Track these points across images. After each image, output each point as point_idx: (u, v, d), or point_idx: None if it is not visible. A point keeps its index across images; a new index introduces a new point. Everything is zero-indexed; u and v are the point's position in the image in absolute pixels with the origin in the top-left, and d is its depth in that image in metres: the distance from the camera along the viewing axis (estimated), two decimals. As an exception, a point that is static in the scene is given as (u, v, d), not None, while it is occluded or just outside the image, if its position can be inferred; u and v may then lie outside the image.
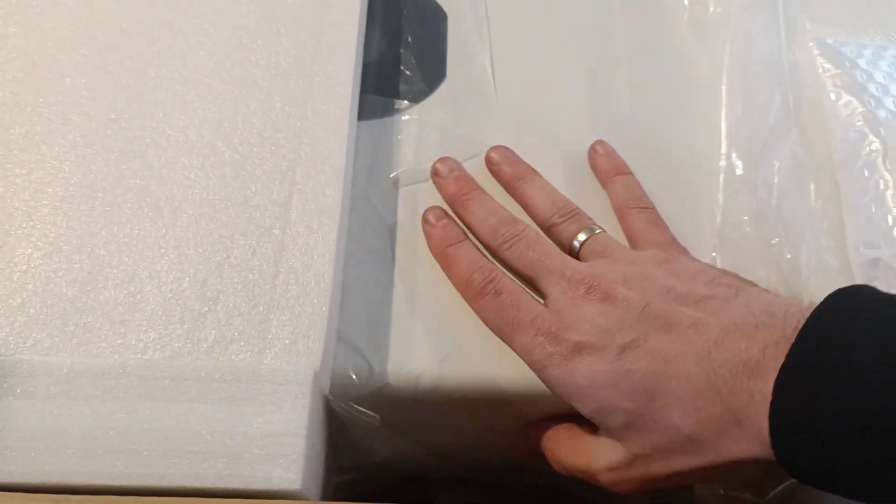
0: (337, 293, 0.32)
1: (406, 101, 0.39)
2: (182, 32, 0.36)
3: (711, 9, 0.40)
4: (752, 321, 0.26)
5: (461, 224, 0.35)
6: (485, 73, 0.41)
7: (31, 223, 0.31)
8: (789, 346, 0.24)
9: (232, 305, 0.30)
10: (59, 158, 0.33)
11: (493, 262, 0.33)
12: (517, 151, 0.38)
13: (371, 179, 0.37)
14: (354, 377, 0.32)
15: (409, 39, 0.42)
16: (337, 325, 0.32)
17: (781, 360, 0.24)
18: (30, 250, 0.30)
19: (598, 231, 0.34)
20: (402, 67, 0.41)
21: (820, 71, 0.34)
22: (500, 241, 0.33)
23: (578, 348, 0.29)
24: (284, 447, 0.27)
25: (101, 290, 0.30)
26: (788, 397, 0.24)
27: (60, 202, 0.32)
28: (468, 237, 0.35)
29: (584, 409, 0.29)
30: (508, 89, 0.41)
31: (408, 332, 0.33)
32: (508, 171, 0.36)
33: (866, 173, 0.33)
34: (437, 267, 0.35)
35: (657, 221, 0.35)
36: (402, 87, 0.40)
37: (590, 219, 0.35)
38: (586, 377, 0.29)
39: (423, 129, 0.39)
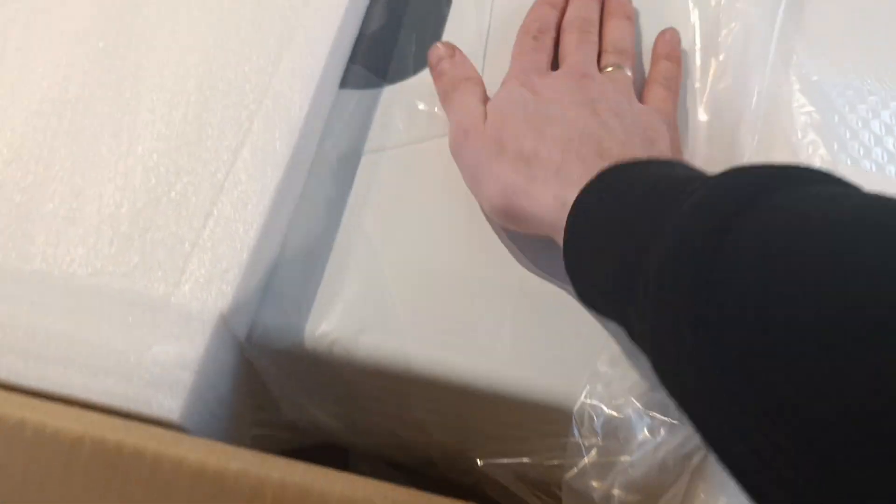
0: (269, 246, 0.33)
1: (392, 79, 0.40)
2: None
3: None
4: (633, 153, 0.31)
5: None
6: (475, 58, 0.41)
7: (1, 130, 0.33)
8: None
9: (160, 237, 0.31)
10: (42, 75, 0.35)
11: (553, 31, 0.40)
12: None
13: (337, 145, 0.38)
14: (270, 329, 0.33)
15: (410, 17, 0.42)
16: (266, 278, 0.33)
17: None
18: (-5, 150, 0.33)
19: (627, 70, 0.38)
20: (396, 44, 0.41)
21: (795, 106, 0.32)
22: (570, 23, 0.40)
23: (532, 87, 0.36)
24: (172, 377, 0.28)
25: (46, 202, 0.32)
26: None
27: (32, 115, 0.34)
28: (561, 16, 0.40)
29: (497, 100, 0.36)
30: (498, 77, 0.40)
31: (335, 297, 0.34)
32: (611, 5, 0.41)
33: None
34: (383, 240, 0.35)
35: (673, 102, 0.38)
36: (393, 65, 0.40)
37: (632, 64, 0.39)
38: (517, 94, 0.36)
39: (401, 106, 0.39)
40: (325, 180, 0.37)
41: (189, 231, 0.31)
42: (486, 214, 0.36)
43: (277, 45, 0.36)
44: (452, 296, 0.34)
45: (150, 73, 0.35)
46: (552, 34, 0.40)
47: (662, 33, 0.41)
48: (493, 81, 0.39)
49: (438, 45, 0.39)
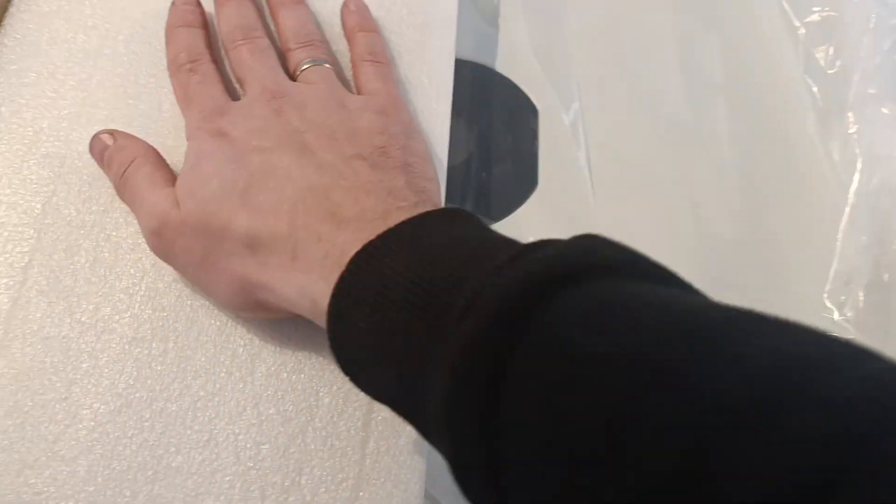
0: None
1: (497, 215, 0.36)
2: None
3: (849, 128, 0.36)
4: (368, 199, 0.26)
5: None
6: (582, 179, 0.37)
7: (98, 370, 0.28)
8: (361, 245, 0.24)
9: (318, 478, 0.27)
10: (129, 291, 0.30)
11: (210, 54, 0.33)
12: None
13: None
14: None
15: (498, 139, 0.38)
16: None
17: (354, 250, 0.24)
18: (97, 404, 0.28)
19: (325, 63, 0.33)
20: (490, 173, 0.37)
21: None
22: (231, 39, 0.33)
23: (221, 132, 0.29)
24: None
25: (173, 455, 0.27)
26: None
27: (129, 345, 0.29)
28: (207, 32, 0.34)
29: (184, 172, 0.29)
30: (607, 199, 0.37)
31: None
32: None
33: None
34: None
35: (385, 75, 0.33)
36: (492, 198, 0.37)
37: (327, 53, 0.34)
38: (208, 153, 0.28)
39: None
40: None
41: (348, 465, 0.27)
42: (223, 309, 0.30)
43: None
44: None
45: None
46: (208, 57, 0.33)
47: (346, 4, 0.35)
48: (601, 187, 0.35)
49: (98, 136, 0.32)
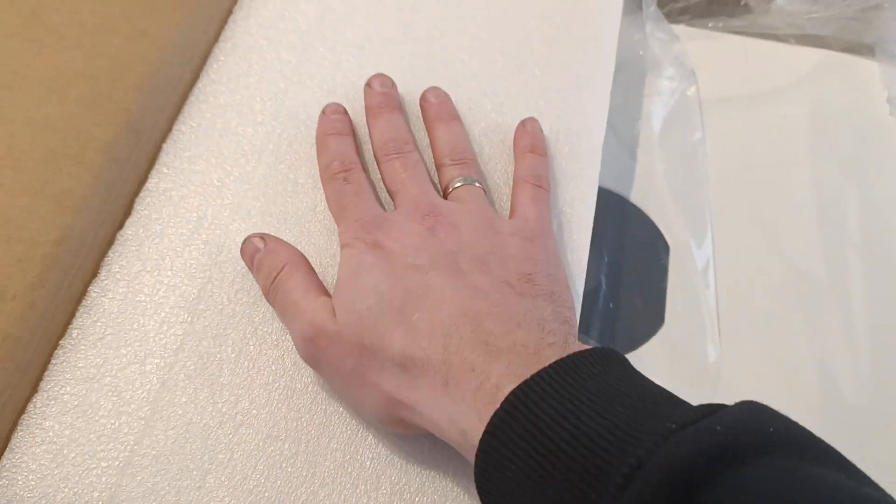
0: None
1: (623, 347, 0.36)
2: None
3: None
4: (520, 330, 0.26)
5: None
6: (710, 322, 0.37)
7: (233, 463, 0.29)
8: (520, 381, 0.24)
9: None
10: (268, 387, 0.31)
11: (360, 161, 0.35)
12: None
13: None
14: None
15: (628, 271, 0.39)
16: None
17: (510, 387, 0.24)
18: (228, 498, 0.29)
19: (475, 183, 0.34)
20: (618, 304, 0.38)
21: None
22: (384, 151, 0.35)
23: (377, 245, 0.30)
24: None
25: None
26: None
27: (264, 441, 0.30)
28: (355, 140, 0.36)
29: (342, 283, 0.30)
30: (733, 345, 0.37)
31: None
32: (433, 110, 0.37)
33: None
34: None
35: (542, 200, 0.34)
36: (616, 331, 0.37)
37: (478, 173, 0.35)
38: (366, 266, 0.29)
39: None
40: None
41: None
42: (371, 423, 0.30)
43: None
44: None
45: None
46: (359, 166, 0.34)
47: (523, 124, 0.37)
48: (728, 334, 0.35)
49: (249, 240, 0.33)
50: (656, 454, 0.20)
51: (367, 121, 0.37)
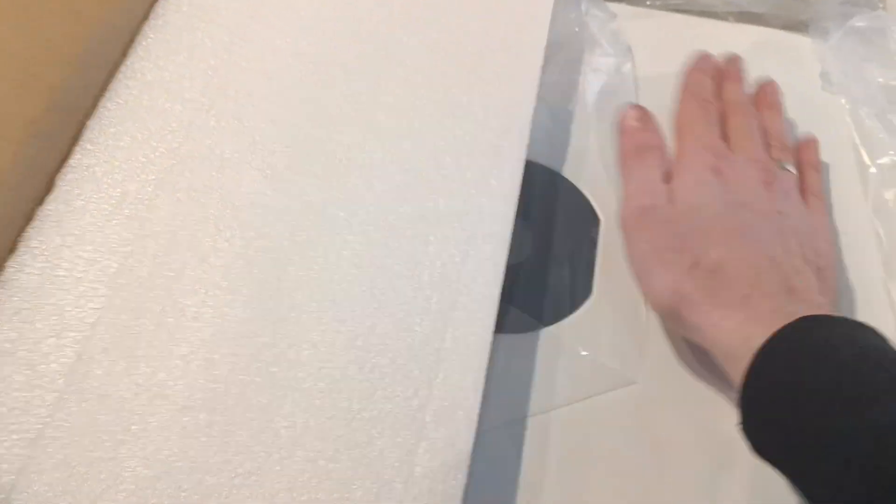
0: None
1: (548, 320, 0.36)
2: (321, 240, 0.35)
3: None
4: (813, 291, 0.32)
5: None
6: (637, 297, 0.37)
7: (147, 434, 0.29)
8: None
9: (340, 574, 0.27)
10: (186, 359, 0.31)
11: (717, 104, 0.40)
12: (668, 384, 0.35)
13: (498, 406, 0.34)
14: None
15: (559, 244, 0.39)
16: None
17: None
18: (140, 468, 0.29)
19: (793, 169, 0.38)
20: (548, 277, 0.38)
21: None
22: (734, 109, 0.39)
23: (719, 171, 0.35)
24: None
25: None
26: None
27: (179, 411, 0.30)
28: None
29: (685, 183, 0.35)
30: (660, 320, 0.37)
31: None
32: (767, 98, 0.41)
33: None
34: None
35: (822, 210, 0.38)
36: (546, 302, 0.37)
37: (794, 162, 0.39)
38: (706, 182, 0.35)
39: (564, 355, 0.36)
40: (498, 449, 0.33)
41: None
42: (646, 300, 0.36)
43: (440, 312, 0.33)
44: None
45: (303, 352, 0.31)
46: (716, 107, 0.39)
47: (807, 142, 0.41)
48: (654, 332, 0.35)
49: (630, 107, 0.39)
50: None
51: (722, 82, 0.41)
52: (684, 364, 0.36)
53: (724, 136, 0.38)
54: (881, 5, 0.46)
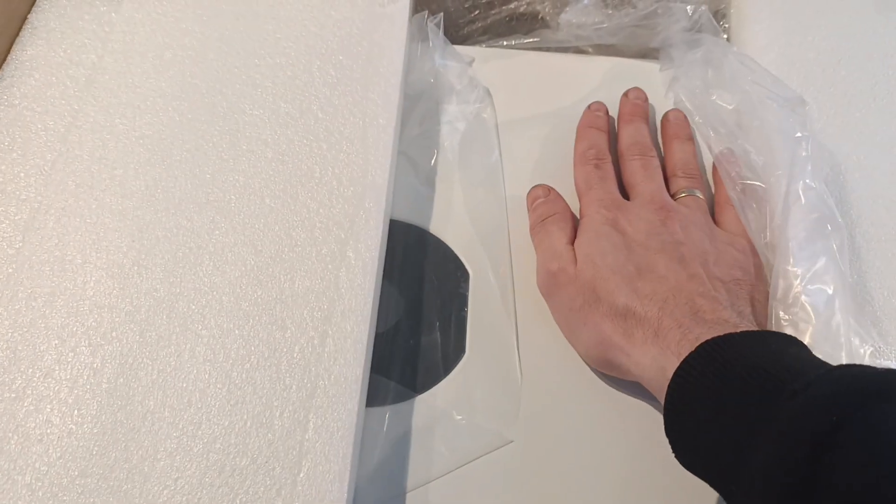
0: None
1: (422, 387, 0.36)
2: (210, 277, 0.33)
3: None
4: (725, 312, 0.33)
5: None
6: (510, 352, 0.37)
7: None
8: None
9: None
10: (31, 487, 0.29)
11: (610, 156, 0.41)
12: (546, 437, 0.35)
13: (374, 486, 0.33)
14: None
15: (429, 304, 0.38)
16: None
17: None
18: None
19: (698, 194, 0.40)
20: (420, 344, 0.37)
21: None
22: (629, 152, 0.41)
23: (615, 222, 0.37)
24: None
25: None
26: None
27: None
28: (609, 137, 0.43)
29: (585, 241, 0.37)
30: (535, 374, 0.37)
31: None
32: (672, 129, 0.43)
33: None
34: None
35: (743, 226, 0.39)
36: (419, 368, 0.37)
37: (703, 187, 0.41)
38: (605, 234, 0.37)
39: (435, 417, 0.35)
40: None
41: None
42: (580, 356, 0.37)
43: (304, 390, 0.32)
44: None
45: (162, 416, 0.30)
46: (610, 160, 0.41)
47: (715, 157, 0.42)
48: (529, 362, 0.35)
49: (534, 187, 0.41)
50: (820, 380, 0.26)
51: (619, 124, 0.43)
52: (562, 415, 0.36)
53: (627, 183, 0.40)
54: (723, 32, 0.47)
